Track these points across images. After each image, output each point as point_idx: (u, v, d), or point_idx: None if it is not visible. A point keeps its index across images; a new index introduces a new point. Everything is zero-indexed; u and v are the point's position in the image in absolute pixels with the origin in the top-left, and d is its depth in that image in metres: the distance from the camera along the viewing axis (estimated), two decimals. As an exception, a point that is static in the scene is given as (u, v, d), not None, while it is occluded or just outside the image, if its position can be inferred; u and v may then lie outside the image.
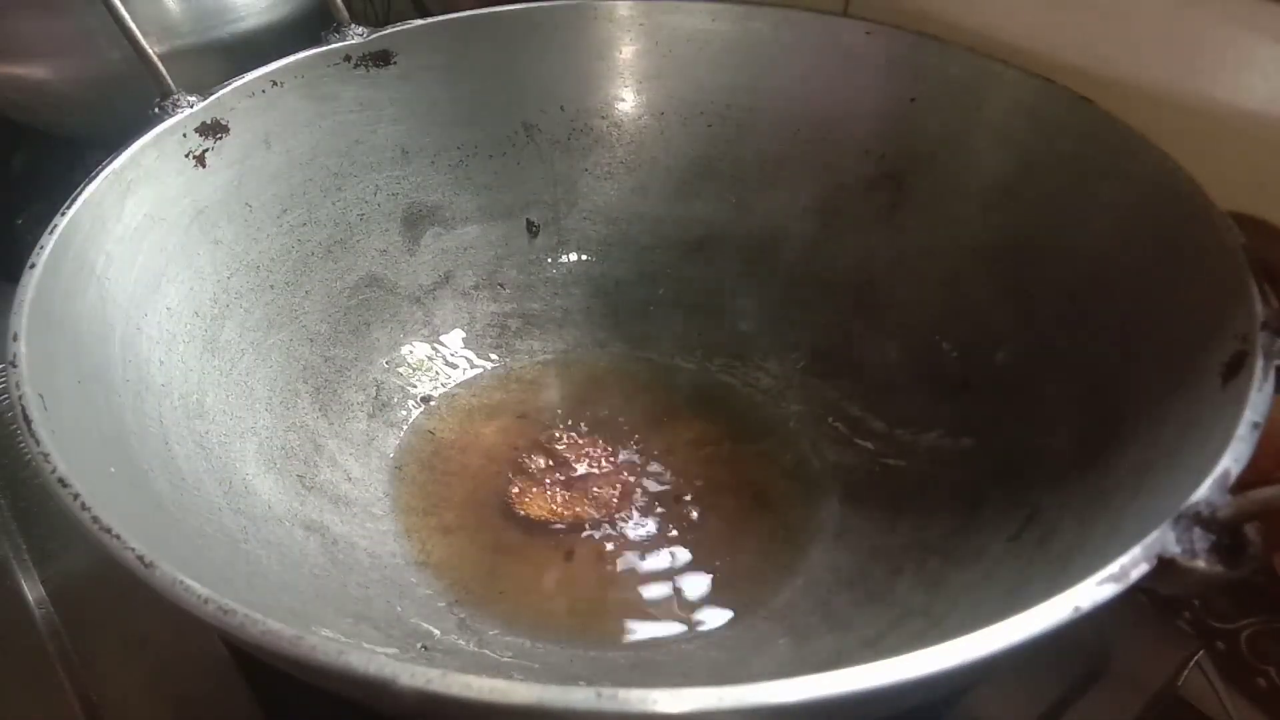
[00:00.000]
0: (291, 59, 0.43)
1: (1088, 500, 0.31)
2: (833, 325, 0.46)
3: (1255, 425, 0.25)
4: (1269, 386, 0.26)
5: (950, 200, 0.43)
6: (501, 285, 0.50)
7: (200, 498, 0.33)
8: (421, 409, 0.46)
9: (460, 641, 0.35)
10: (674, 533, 0.40)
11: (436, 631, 0.35)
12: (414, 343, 0.48)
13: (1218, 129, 0.39)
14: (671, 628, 0.36)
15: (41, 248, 0.32)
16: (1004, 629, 0.21)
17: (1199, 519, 0.23)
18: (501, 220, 0.50)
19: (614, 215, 0.51)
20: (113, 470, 0.29)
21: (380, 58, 0.45)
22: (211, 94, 0.41)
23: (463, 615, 0.37)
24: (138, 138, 0.38)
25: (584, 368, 0.48)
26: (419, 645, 0.34)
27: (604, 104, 0.49)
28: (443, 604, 0.37)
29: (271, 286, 0.43)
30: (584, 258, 0.51)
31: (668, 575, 0.38)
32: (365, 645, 0.31)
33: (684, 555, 0.39)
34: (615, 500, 0.41)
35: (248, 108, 0.42)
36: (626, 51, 0.48)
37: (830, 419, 0.44)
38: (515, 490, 0.41)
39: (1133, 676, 0.35)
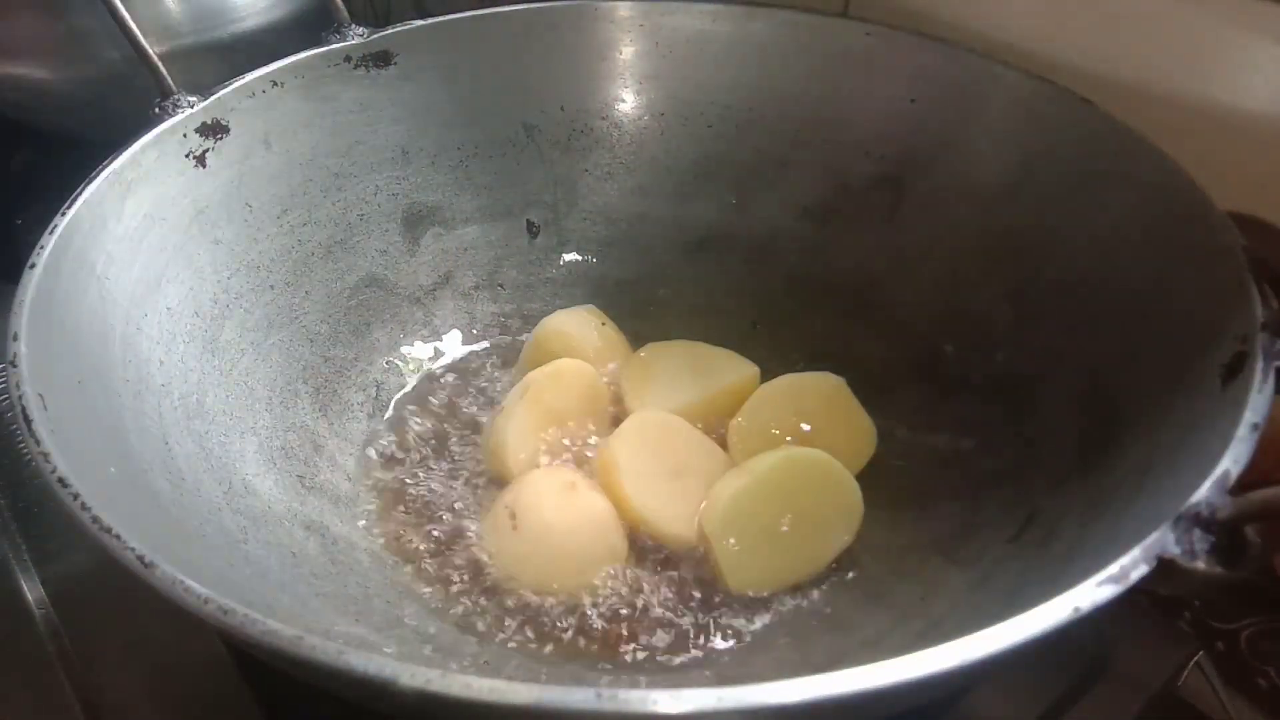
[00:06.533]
0: (291, 59, 0.43)
1: (1088, 501, 0.31)
2: (833, 325, 0.46)
3: (1255, 426, 0.25)
4: (1269, 387, 0.26)
5: (950, 200, 0.43)
6: (501, 285, 0.50)
7: (200, 498, 0.33)
8: (421, 409, 0.46)
9: (460, 641, 0.35)
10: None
11: (436, 631, 0.35)
12: (414, 343, 0.48)
13: (1218, 129, 0.39)
14: (671, 627, 0.36)
15: (41, 248, 0.32)
16: (1004, 630, 0.21)
17: (1199, 520, 0.23)
18: (501, 220, 0.50)
19: (614, 215, 0.51)
20: (113, 470, 0.29)
21: (380, 58, 0.45)
22: (211, 94, 0.41)
23: (463, 615, 0.37)
24: (138, 138, 0.38)
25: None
26: (419, 645, 0.34)
27: (604, 104, 0.49)
28: (442, 604, 0.37)
29: (271, 286, 0.43)
30: (584, 258, 0.51)
31: (668, 575, 0.38)
32: (365, 645, 0.31)
33: (684, 556, 0.39)
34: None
35: (248, 108, 0.42)
36: (626, 52, 0.48)
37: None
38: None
39: (1133, 676, 0.35)
